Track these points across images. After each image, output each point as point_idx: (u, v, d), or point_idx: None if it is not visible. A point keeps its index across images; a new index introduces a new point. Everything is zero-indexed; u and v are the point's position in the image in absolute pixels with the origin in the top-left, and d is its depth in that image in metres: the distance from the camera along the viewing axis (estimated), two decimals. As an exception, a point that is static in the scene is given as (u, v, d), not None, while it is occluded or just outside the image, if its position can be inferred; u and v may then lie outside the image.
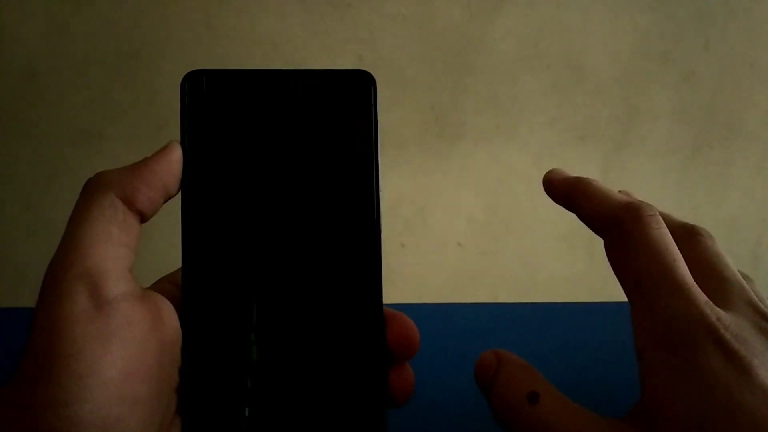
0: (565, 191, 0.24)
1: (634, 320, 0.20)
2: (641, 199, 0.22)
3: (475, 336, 0.31)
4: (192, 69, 0.22)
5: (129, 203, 0.20)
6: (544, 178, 0.25)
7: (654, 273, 0.20)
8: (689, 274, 0.20)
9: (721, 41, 0.62)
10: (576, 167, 0.62)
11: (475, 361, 0.22)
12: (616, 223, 0.21)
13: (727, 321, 0.19)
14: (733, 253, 0.64)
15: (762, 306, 0.21)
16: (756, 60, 0.63)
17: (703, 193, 0.63)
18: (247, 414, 0.21)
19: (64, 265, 0.19)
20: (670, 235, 0.21)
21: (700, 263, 0.21)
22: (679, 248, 0.21)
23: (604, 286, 0.60)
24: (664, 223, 0.21)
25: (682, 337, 0.19)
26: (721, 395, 0.18)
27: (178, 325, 0.21)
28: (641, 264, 0.20)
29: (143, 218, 0.21)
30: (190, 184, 0.22)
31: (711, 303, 0.19)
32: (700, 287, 0.20)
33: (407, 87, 0.59)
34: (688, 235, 0.22)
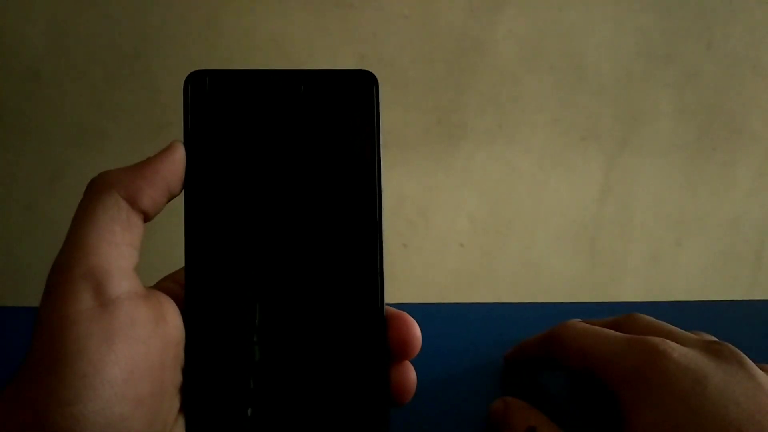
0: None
1: (603, 381, 0.24)
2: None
3: (477, 335, 0.31)
4: (195, 69, 0.22)
5: (132, 203, 0.20)
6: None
7: (588, 348, 0.25)
8: (620, 332, 0.25)
9: (724, 42, 0.62)
10: (578, 167, 0.62)
11: (489, 407, 0.27)
12: (552, 340, 0.27)
13: (678, 347, 0.23)
14: (736, 254, 0.64)
15: (705, 335, 0.25)
16: (759, 60, 0.63)
17: (706, 194, 0.63)
18: (249, 414, 0.21)
19: (68, 264, 0.19)
20: (591, 325, 0.26)
21: (643, 329, 0.26)
22: (622, 328, 0.26)
23: (605, 286, 0.60)
24: (589, 324, 0.26)
25: (638, 371, 0.22)
26: (680, 405, 0.21)
27: (182, 325, 0.21)
28: (581, 348, 0.25)
29: (146, 218, 0.21)
30: (193, 183, 0.22)
31: (659, 338, 0.23)
32: None
33: (409, 87, 0.59)
34: (626, 319, 0.27)
